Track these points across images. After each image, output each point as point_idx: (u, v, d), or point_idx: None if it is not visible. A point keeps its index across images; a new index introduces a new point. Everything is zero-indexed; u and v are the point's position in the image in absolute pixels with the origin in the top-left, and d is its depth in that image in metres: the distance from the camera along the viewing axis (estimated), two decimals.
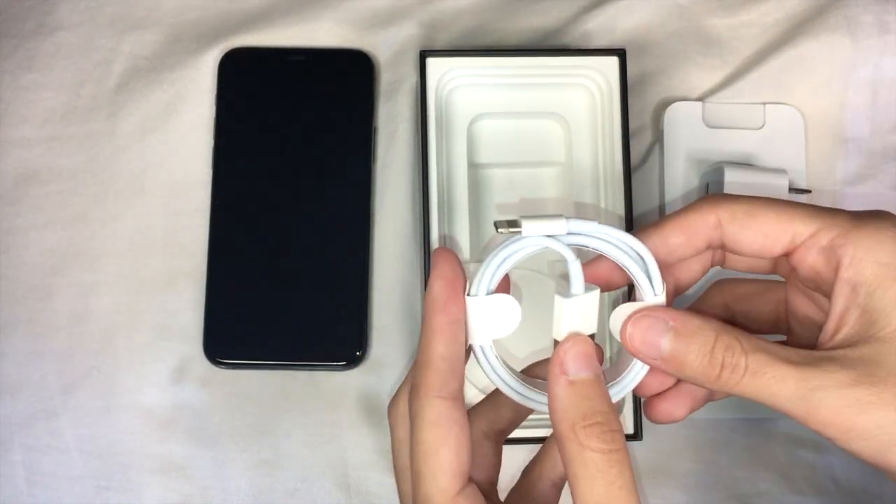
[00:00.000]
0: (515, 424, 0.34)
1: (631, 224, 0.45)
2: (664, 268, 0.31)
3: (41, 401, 0.47)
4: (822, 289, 0.31)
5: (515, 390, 0.31)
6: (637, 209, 0.46)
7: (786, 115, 0.48)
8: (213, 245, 0.48)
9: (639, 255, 0.30)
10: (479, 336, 0.30)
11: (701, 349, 0.29)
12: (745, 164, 0.47)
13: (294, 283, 0.47)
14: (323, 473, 0.47)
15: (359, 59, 0.49)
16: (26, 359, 0.47)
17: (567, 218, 0.30)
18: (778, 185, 0.45)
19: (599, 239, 0.30)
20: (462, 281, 0.30)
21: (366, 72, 0.49)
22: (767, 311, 0.35)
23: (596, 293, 0.30)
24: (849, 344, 0.28)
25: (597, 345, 0.30)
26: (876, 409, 0.27)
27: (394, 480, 0.46)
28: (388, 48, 0.50)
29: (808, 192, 0.47)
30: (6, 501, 0.46)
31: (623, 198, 0.45)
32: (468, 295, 0.30)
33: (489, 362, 0.30)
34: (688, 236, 0.31)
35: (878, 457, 0.27)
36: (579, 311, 0.30)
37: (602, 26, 0.50)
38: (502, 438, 0.34)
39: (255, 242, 0.47)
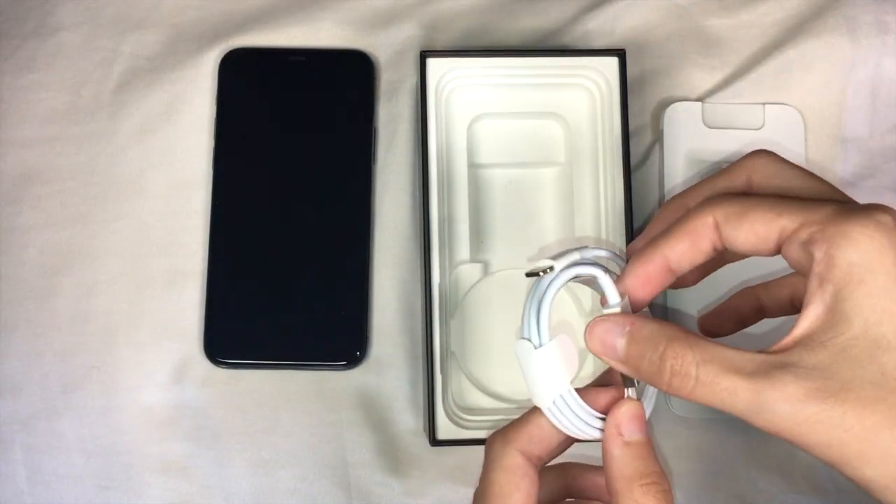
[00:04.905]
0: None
1: (630, 225, 0.45)
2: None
3: (42, 400, 0.47)
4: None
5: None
6: (637, 209, 0.46)
7: (785, 116, 0.48)
8: (213, 245, 0.48)
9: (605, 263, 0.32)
10: (558, 385, 0.30)
11: (651, 355, 0.29)
12: None
13: (294, 283, 0.47)
14: (323, 473, 0.47)
15: (359, 60, 0.50)
16: (27, 358, 0.47)
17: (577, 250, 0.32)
18: None
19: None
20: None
21: (366, 72, 0.49)
22: (784, 296, 0.37)
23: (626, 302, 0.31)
24: (808, 344, 0.27)
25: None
26: (825, 428, 0.26)
27: (393, 479, 0.47)
28: (388, 48, 0.50)
29: None
30: (7, 501, 0.46)
31: (623, 198, 0.45)
32: (535, 349, 0.30)
33: (575, 412, 0.30)
34: (692, 240, 0.31)
35: (841, 468, 0.27)
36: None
37: (602, 26, 0.50)
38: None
39: (254, 242, 0.47)
